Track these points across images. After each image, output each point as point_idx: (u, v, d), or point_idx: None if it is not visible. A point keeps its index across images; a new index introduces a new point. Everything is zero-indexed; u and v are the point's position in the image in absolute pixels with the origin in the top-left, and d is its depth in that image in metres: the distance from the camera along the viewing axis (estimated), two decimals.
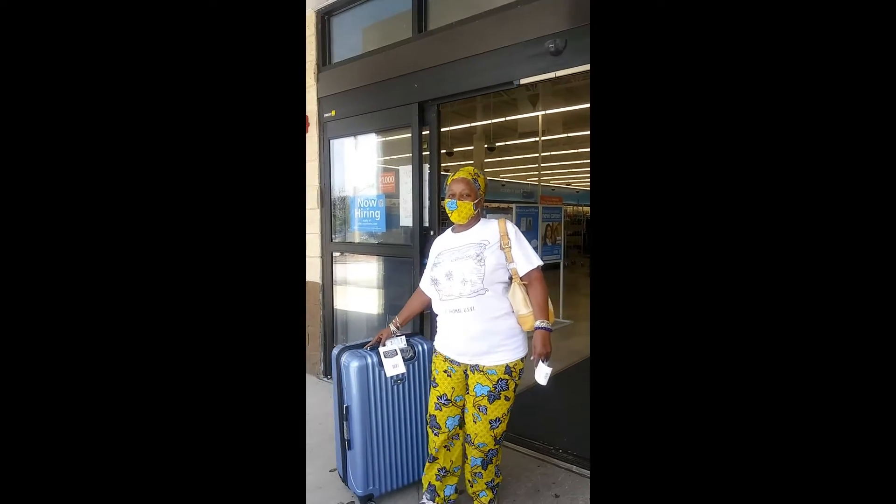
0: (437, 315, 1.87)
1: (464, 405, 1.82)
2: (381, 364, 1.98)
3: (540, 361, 1.68)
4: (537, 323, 1.72)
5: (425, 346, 2.10)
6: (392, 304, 3.12)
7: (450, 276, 1.76)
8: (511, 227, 1.81)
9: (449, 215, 1.84)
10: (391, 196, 3.03)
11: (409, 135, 2.78)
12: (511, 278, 1.77)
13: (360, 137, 3.23)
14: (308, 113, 3.40)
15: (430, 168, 2.76)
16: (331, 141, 3.32)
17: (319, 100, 3.31)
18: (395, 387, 2.02)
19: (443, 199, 1.81)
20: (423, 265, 2.89)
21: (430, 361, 1.97)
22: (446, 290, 1.77)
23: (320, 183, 3.38)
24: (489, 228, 1.81)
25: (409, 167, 2.81)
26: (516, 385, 1.77)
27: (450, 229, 1.90)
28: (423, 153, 2.75)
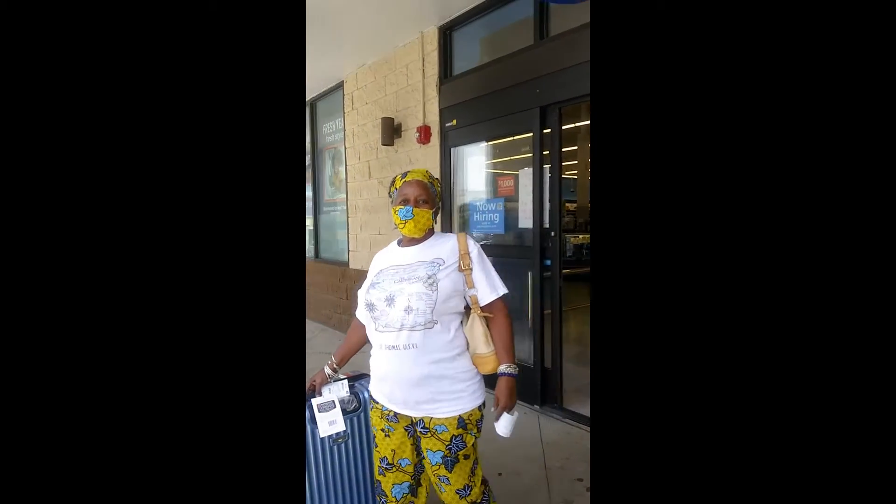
0: (370, 350, 1.47)
1: (414, 470, 1.46)
2: (313, 420, 1.53)
3: (505, 412, 1.38)
4: (502, 367, 1.38)
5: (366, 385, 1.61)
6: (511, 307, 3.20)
7: (390, 302, 1.36)
8: (473, 245, 1.44)
9: (399, 227, 1.44)
10: (510, 199, 3.13)
11: (531, 136, 2.87)
12: (468, 308, 1.42)
13: (481, 144, 3.38)
14: (429, 124, 3.62)
15: (551, 170, 2.82)
16: (451, 149, 3.50)
17: (441, 111, 3.51)
18: (336, 447, 1.58)
19: (396, 205, 1.46)
20: (543, 266, 2.96)
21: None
22: (384, 320, 1.37)
23: (441, 189, 3.57)
24: (446, 245, 1.43)
25: (529, 170, 2.89)
26: (475, 439, 1.42)
27: (395, 242, 1.53)
28: (543, 153, 2.82)
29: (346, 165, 4.77)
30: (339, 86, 4.78)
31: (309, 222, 5.68)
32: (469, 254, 1.42)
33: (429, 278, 1.35)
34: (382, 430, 1.45)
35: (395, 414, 1.42)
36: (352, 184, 4.67)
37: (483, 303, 1.41)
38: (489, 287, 1.41)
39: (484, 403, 1.44)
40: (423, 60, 3.63)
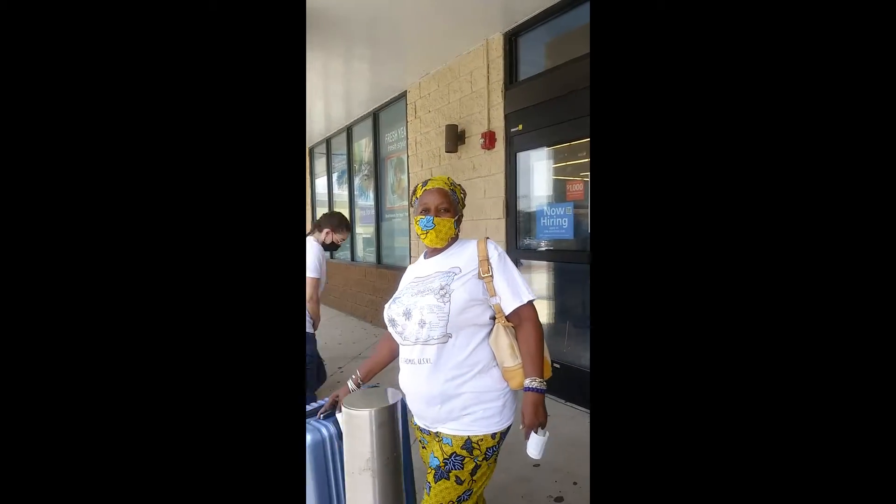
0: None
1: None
2: (341, 437, 1.46)
3: (532, 432, 1.26)
4: (527, 381, 1.26)
5: (400, 400, 1.51)
6: (575, 313, 3.15)
7: (407, 315, 1.32)
8: (494, 249, 1.35)
9: (421, 237, 1.39)
10: (580, 204, 3.08)
11: None
12: (494, 318, 1.33)
13: (547, 148, 3.35)
14: (493, 129, 3.64)
15: None
16: (517, 154, 3.50)
17: (506, 116, 3.52)
18: None
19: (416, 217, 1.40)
20: None
21: (406, 418, 1.47)
22: (403, 333, 1.33)
23: (506, 194, 3.57)
24: (465, 252, 1.36)
25: None
26: (477, 467, 1.27)
27: (422, 255, 1.48)
28: None
29: (408, 173, 4.86)
30: (402, 96, 4.89)
31: (371, 229, 5.83)
32: (489, 259, 1.32)
33: (441, 289, 1.28)
34: (420, 440, 1.42)
35: (424, 429, 1.37)
36: None
37: (507, 311, 1.30)
38: (512, 294, 1.30)
39: (507, 430, 1.32)
40: (488, 67, 3.65)
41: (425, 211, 1.37)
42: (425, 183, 1.43)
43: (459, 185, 1.49)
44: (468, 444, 1.27)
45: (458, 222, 1.42)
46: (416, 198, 1.42)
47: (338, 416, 1.47)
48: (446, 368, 1.27)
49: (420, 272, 1.40)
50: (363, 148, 6.00)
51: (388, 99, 5.17)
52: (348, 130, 6.28)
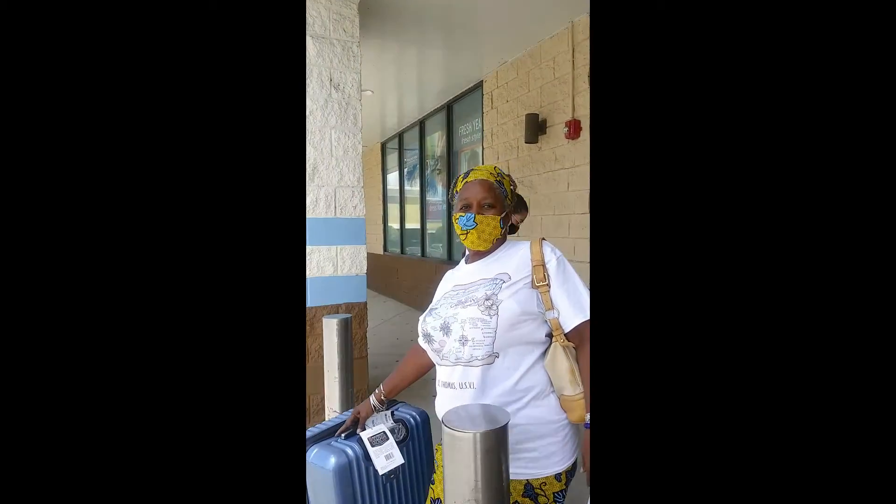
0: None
1: None
2: (367, 457, 1.31)
3: None
4: (588, 416, 1.03)
5: (418, 418, 1.39)
6: None
7: (446, 330, 1.11)
8: (551, 252, 1.12)
9: (461, 238, 1.17)
10: None
11: None
12: (550, 335, 1.09)
13: None
14: (578, 118, 3.39)
15: None
16: None
17: None
18: (388, 484, 1.34)
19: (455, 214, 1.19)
20: None
21: (429, 437, 1.31)
22: (441, 352, 1.12)
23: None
24: (515, 256, 1.13)
25: None
26: None
27: (465, 258, 1.25)
28: None
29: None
30: (478, 86, 4.73)
31: (440, 225, 5.73)
32: (545, 265, 1.08)
33: (486, 300, 1.06)
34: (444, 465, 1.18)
35: None
36: None
37: (567, 328, 1.06)
38: (574, 307, 1.06)
39: (574, 468, 1.10)
40: (573, 50, 3.41)
41: (466, 207, 1.15)
42: (467, 174, 1.21)
43: (509, 175, 1.24)
44: (529, 489, 1.04)
45: (507, 220, 1.19)
46: (457, 192, 1.19)
47: (361, 434, 1.30)
48: (493, 395, 1.06)
49: (461, 279, 1.19)
50: (435, 142, 5.91)
51: (462, 91, 5.04)
52: (421, 124, 6.22)
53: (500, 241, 1.18)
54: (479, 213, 1.13)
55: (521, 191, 4.23)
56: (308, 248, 2.72)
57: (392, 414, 1.40)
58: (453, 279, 1.23)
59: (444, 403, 1.13)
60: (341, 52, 2.76)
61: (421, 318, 1.23)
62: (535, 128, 3.76)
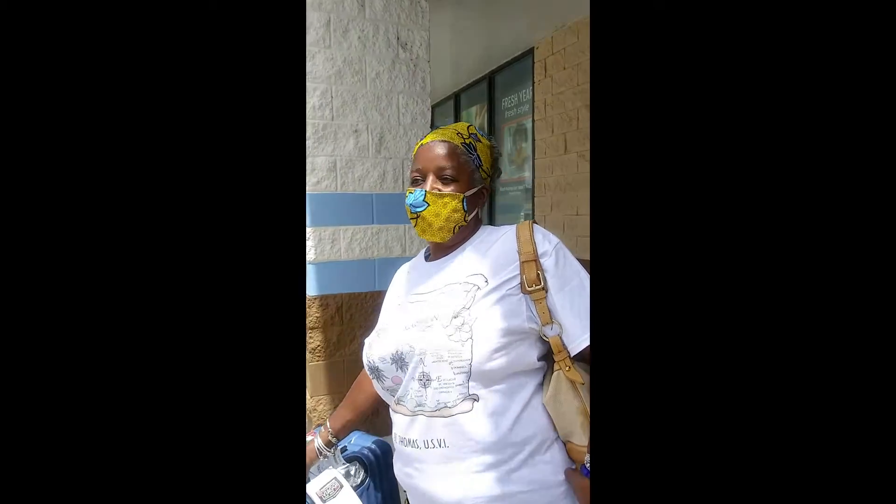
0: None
1: None
2: None
3: None
4: (588, 460, 0.75)
5: (377, 451, 1.11)
6: None
7: (400, 364, 0.80)
8: (545, 239, 0.81)
9: (413, 223, 0.87)
10: None
11: None
12: (545, 357, 0.81)
13: None
14: None
15: None
16: None
17: None
18: None
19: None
20: None
21: (392, 472, 1.04)
22: (397, 394, 0.82)
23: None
24: (494, 248, 0.82)
25: None
26: None
27: (423, 251, 0.96)
28: None
29: (532, 140, 4.42)
30: (527, 53, 4.42)
31: None
32: (539, 259, 0.77)
33: (454, 317, 0.75)
34: None
35: None
36: (540, 160, 4.31)
37: (575, 348, 0.76)
38: (583, 319, 0.74)
39: None
40: None
41: (416, 181, 0.86)
42: (428, 134, 0.91)
43: (491, 139, 0.92)
44: None
45: (476, 200, 0.86)
46: (412, 157, 0.89)
47: (308, 489, 0.98)
48: (473, 456, 0.74)
49: (417, 284, 0.87)
50: (473, 117, 5.61)
51: (507, 60, 4.72)
52: (455, 97, 5.91)
53: (466, 230, 0.86)
54: (433, 190, 0.82)
55: (582, 166, 3.95)
56: (374, 228, 2.48)
57: (342, 452, 1.06)
58: (407, 283, 0.90)
59: (404, 467, 0.82)
60: (409, 7, 2.47)
61: (367, 341, 0.89)
62: None
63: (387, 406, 0.92)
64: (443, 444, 0.75)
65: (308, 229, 2.27)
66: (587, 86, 3.52)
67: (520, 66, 4.61)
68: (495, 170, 0.93)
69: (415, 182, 0.87)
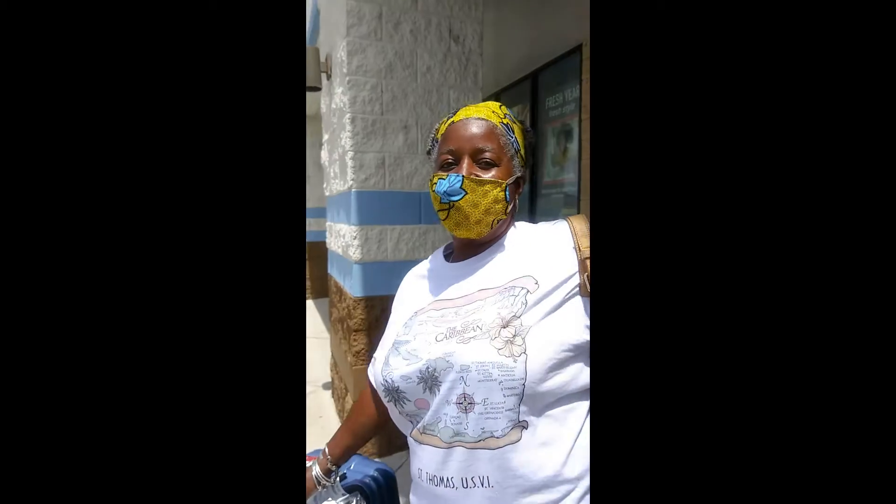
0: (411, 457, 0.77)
1: None
2: None
3: None
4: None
5: (379, 478, 1.00)
6: None
7: (430, 383, 0.67)
8: None
9: (441, 217, 0.75)
10: None
11: None
12: None
13: None
14: None
15: None
16: None
17: None
18: None
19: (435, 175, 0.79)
20: None
21: (396, 500, 1.00)
22: (422, 418, 0.70)
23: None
24: (547, 241, 0.72)
25: None
26: None
27: (439, 251, 0.85)
28: None
29: (579, 141, 4.26)
30: (575, 50, 4.27)
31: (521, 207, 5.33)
32: None
33: (504, 327, 0.64)
34: None
35: None
36: (587, 161, 4.15)
37: None
38: None
39: None
40: None
41: (448, 164, 0.73)
42: (454, 113, 0.78)
43: (522, 122, 0.80)
44: None
45: (516, 189, 0.75)
46: (437, 140, 0.76)
47: None
48: (522, 497, 0.62)
49: (444, 288, 0.74)
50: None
51: (553, 57, 4.58)
52: (497, 97, 5.80)
53: (502, 224, 0.73)
54: (470, 175, 0.70)
55: None
56: (422, 228, 2.39)
57: (341, 480, 0.96)
58: (426, 288, 0.77)
59: None
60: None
61: (376, 357, 0.77)
62: None
63: (385, 426, 0.82)
64: (486, 484, 0.63)
65: (354, 228, 2.20)
66: None
67: (566, 63, 4.46)
68: (529, 158, 0.83)
69: (446, 166, 0.75)
